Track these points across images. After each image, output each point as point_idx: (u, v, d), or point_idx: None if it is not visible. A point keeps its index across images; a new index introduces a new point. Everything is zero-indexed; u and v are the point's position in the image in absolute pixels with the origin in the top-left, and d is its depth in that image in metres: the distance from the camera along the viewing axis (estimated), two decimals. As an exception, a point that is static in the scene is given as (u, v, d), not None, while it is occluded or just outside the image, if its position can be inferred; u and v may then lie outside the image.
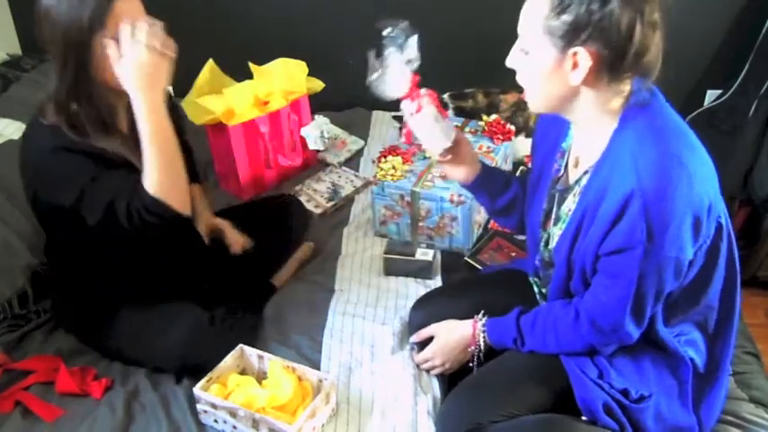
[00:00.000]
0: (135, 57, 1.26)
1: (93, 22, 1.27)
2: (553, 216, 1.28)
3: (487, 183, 1.42)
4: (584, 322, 1.20)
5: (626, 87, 1.11)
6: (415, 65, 1.25)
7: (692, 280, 1.15)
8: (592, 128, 1.16)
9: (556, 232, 1.26)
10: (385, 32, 1.22)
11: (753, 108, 2.35)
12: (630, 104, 1.11)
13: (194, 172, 1.75)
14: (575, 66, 1.07)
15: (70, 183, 1.32)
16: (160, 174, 1.30)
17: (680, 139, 1.08)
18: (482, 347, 1.38)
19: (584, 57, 1.05)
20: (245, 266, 1.75)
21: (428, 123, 1.29)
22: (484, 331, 1.37)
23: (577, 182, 1.21)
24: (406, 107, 1.29)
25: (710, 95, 2.65)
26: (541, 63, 1.09)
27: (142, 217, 1.30)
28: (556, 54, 1.07)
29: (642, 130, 1.08)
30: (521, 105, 2.36)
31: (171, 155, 1.32)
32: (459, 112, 2.39)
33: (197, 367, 1.44)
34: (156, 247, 1.52)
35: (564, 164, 1.28)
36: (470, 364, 1.41)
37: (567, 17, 1.04)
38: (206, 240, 1.69)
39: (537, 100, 1.16)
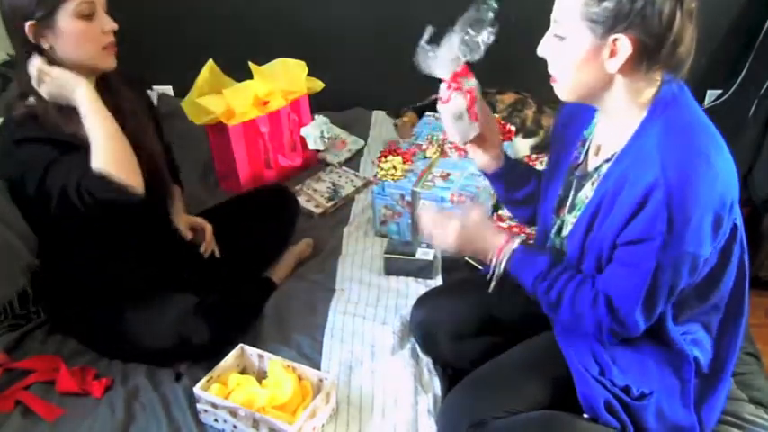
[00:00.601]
0: (44, 92, 1.37)
1: None
2: (569, 203, 1.27)
3: (506, 176, 1.40)
4: (600, 300, 1.17)
5: (657, 79, 1.10)
6: (475, 56, 1.20)
7: (703, 278, 1.15)
8: (619, 117, 1.15)
9: (570, 219, 1.25)
10: (473, 7, 1.17)
11: (753, 108, 2.35)
12: (660, 97, 1.10)
13: (174, 172, 1.77)
14: (612, 53, 1.06)
15: (31, 172, 1.34)
16: (101, 150, 1.35)
17: (708, 137, 1.08)
18: (501, 267, 1.25)
19: (624, 44, 1.04)
20: (239, 257, 1.76)
21: (450, 117, 1.27)
22: (513, 251, 1.23)
23: (597, 169, 1.20)
24: (441, 91, 1.26)
25: (710, 95, 2.65)
26: (577, 50, 1.08)
27: (91, 193, 1.32)
28: (594, 41, 1.06)
29: (671, 123, 1.08)
30: (517, 106, 2.35)
31: (110, 133, 1.37)
32: None
33: (191, 351, 1.46)
34: (127, 232, 1.53)
35: (584, 151, 1.27)
36: (487, 276, 1.29)
37: (609, 3, 1.02)
38: (186, 236, 1.70)
39: (568, 88, 1.14)
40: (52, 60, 1.36)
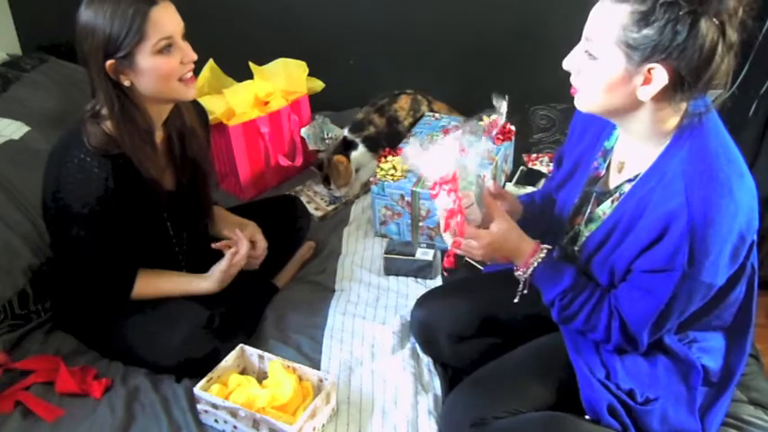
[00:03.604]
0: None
1: (133, 33, 1.28)
2: (586, 215, 1.25)
3: (528, 221, 1.35)
4: (615, 320, 1.18)
5: (683, 107, 1.08)
6: (472, 177, 1.15)
7: (711, 297, 1.13)
8: (642, 139, 1.13)
9: (585, 232, 1.24)
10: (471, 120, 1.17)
11: (753, 108, 2.35)
12: (687, 120, 1.08)
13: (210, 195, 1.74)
14: (646, 81, 1.02)
15: (81, 227, 1.40)
16: (150, 294, 1.53)
17: (731, 165, 1.07)
18: (528, 277, 1.24)
19: (660, 74, 1.00)
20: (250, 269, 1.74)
21: (439, 211, 1.24)
22: (539, 261, 1.22)
23: (618, 188, 1.19)
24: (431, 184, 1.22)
25: (710, 95, 2.65)
26: (609, 72, 1.04)
27: (98, 291, 1.49)
28: (627, 66, 1.02)
29: (696, 150, 1.06)
30: (414, 106, 2.32)
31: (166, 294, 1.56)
32: (367, 141, 2.25)
33: (197, 365, 1.44)
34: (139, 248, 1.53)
35: (606, 165, 1.24)
36: (517, 289, 1.27)
37: (649, 31, 0.98)
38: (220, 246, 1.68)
39: (591, 105, 1.10)
40: (133, 96, 1.36)
